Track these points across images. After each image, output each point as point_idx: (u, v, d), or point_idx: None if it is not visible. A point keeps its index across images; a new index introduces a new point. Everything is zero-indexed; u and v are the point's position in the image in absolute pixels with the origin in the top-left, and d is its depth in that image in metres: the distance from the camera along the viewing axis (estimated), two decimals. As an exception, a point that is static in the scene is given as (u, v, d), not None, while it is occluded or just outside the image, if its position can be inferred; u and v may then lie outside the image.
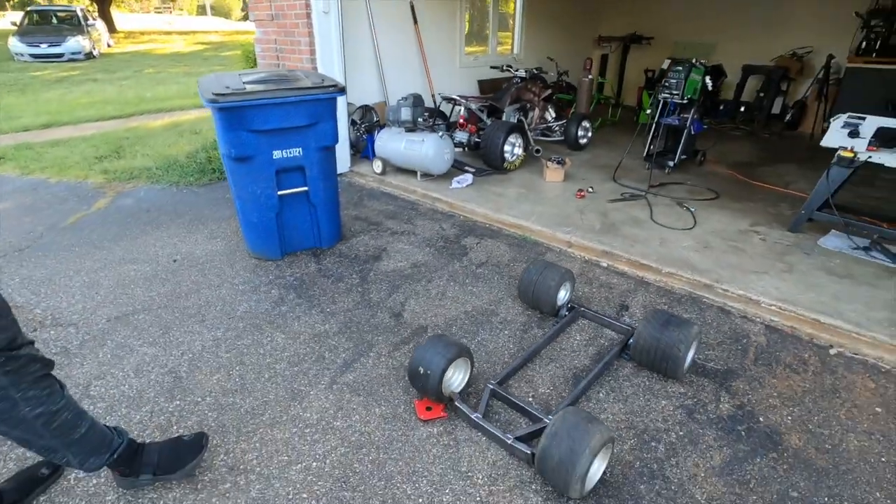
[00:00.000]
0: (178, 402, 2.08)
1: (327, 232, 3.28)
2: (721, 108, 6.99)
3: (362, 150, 5.16)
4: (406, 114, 4.43)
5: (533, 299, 2.57)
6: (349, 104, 4.83)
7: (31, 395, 1.34)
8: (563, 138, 5.66)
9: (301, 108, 2.80)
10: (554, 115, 5.84)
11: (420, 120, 4.50)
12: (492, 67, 6.44)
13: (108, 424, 1.60)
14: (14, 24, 15.52)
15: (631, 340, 2.26)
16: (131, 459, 1.64)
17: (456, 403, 1.96)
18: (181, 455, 1.73)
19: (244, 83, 2.80)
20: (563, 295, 2.60)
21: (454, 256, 3.26)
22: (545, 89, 5.56)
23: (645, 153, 4.95)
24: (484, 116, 5.19)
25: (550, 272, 2.53)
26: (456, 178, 4.41)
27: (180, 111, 8.24)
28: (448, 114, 5.57)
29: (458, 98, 5.11)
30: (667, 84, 4.65)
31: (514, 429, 1.93)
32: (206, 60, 13.31)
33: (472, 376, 2.17)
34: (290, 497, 1.68)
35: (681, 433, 1.92)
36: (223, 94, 2.54)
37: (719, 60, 5.78)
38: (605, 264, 3.14)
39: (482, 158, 4.82)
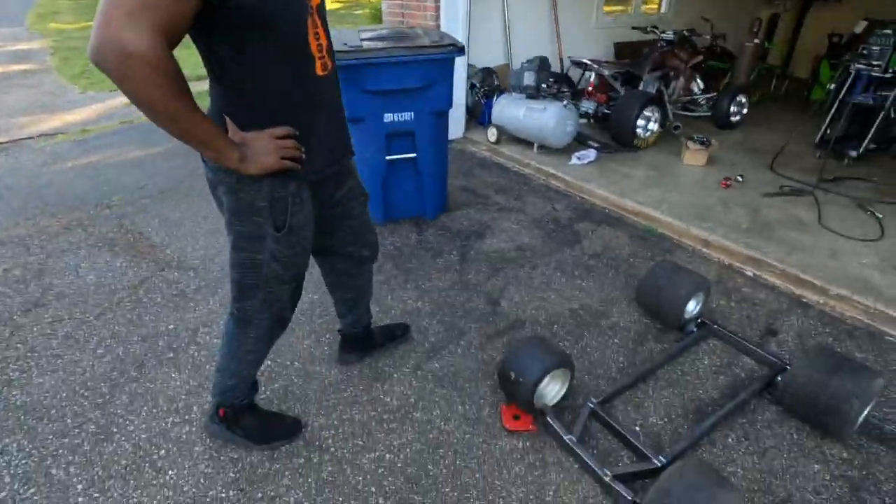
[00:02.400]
0: (268, 363, 2.09)
1: (432, 202, 3.13)
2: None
3: (479, 116, 4.89)
4: (529, 78, 4.05)
5: (655, 306, 2.18)
6: (469, 66, 4.56)
7: (260, 329, 1.51)
8: (710, 114, 4.86)
9: (415, 68, 2.61)
10: (702, 86, 5.01)
11: (544, 86, 4.10)
12: (633, 28, 5.67)
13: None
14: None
15: (779, 378, 1.81)
16: (239, 414, 1.71)
17: (548, 419, 1.72)
18: (274, 432, 1.74)
19: (361, 40, 2.67)
20: (692, 306, 2.18)
21: (565, 243, 2.93)
22: (695, 55, 4.76)
23: (818, 138, 4.04)
24: (618, 85, 4.60)
25: (681, 277, 2.12)
26: (577, 154, 3.98)
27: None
28: (576, 80, 5.05)
29: (588, 62, 4.57)
30: (864, 52, 3.68)
31: (614, 462, 1.65)
32: (341, 18, 13.79)
33: (571, 388, 1.90)
34: (360, 488, 1.59)
35: (839, 514, 1.49)
36: (338, 52, 2.44)
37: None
38: (750, 273, 2.60)
39: (610, 133, 4.30)
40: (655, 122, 4.26)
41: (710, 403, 1.86)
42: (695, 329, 2.14)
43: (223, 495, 1.58)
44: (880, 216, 3.06)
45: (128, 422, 1.84)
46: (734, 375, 1.98)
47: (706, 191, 3.45)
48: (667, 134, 4.47)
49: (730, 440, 1.72)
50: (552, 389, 1.81)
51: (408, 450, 1.71)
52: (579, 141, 4.27)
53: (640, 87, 4.62)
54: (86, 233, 3.20)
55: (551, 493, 1.56)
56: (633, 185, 3.54)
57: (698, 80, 4.99)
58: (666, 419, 1.80)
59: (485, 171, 3.98)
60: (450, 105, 2.83)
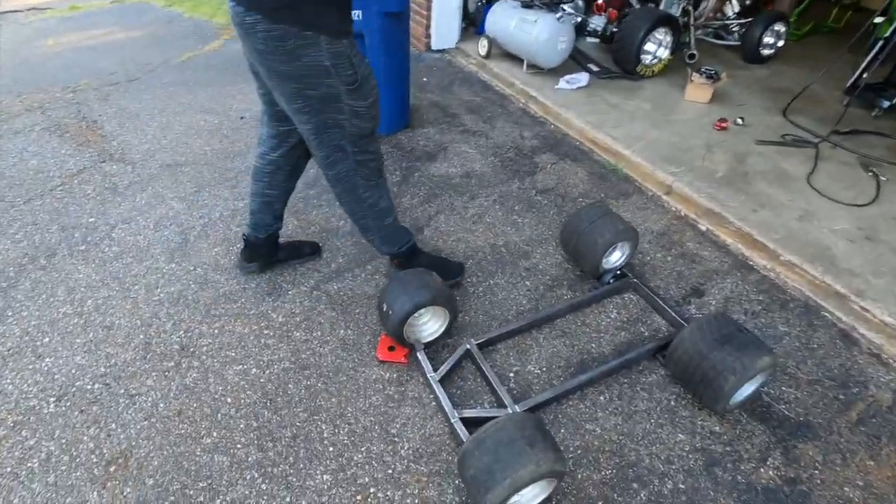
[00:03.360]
0: (173, 266, 2.09)
1: (387, 117, 2.91)
2: None
3: (479, 24, 4.44)
4: (526, -18, 3.59)
5: (575, 252, 2.03)
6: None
7: (367, 181, 1.64)
8: (739, 44, 4.27)
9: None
10: (738, 8, 4.37)
11: (543, -6, 3.64)
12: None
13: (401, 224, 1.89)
14: None
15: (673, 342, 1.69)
16: (409, 258, 1.93)
17: (417, 354, 1.67)
18: (445, 270, 1.92)
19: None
20: (617, 257, 2.02)
21: (517, 174, 2.73)
22: (736, -30, 4.10)
23: (850, 82, 3.51)
24: (635, 1, 4.05)
25: (606, 223, 1.94)
26: (566, 77, 3.60)
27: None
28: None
29: (604, -32, 4.00)
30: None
31: (473, 405, 1.61)
32: None
33: (460, 328, 1.84)
34: (216, 398, 1.62)
35: (681, 486, 1.43)
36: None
37: None
38: (703, 227, 2.38)
39: (612, 55, 3.85)
40: (666, 47, 3.77)
41: (597, 358, 1.77)
42: (611, 280, 2.00)
43: (88, 387, 1.64)
44: (883, 179, 2.70)
45: (24, 307, 1.90)
46: (636, 333, 1.87)
47: (696, 131, 3.10)
48: (680, 63, 3.98)
49: (602, 398, 1.65)
50: (430, 326, 1.74)
51: (275, 367, 1.72)
52: (578, 61, 3.85)
53: (662, 5, 4.06)
54: (44, 116, 3.17)
55: (398, 426, 1.55)
56: (617, 117, 3.21)
57: (733, 2, 4.35)
58: (545, 369, 1.73)
59: (465, 87, 3.68)
60: (401, 7, 2.52)
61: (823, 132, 3.10)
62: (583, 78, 3.60)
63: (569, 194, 2.59)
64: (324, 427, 1.54)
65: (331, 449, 1.49)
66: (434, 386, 1.59)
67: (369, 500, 1.37)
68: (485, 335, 1.76)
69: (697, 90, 3.45)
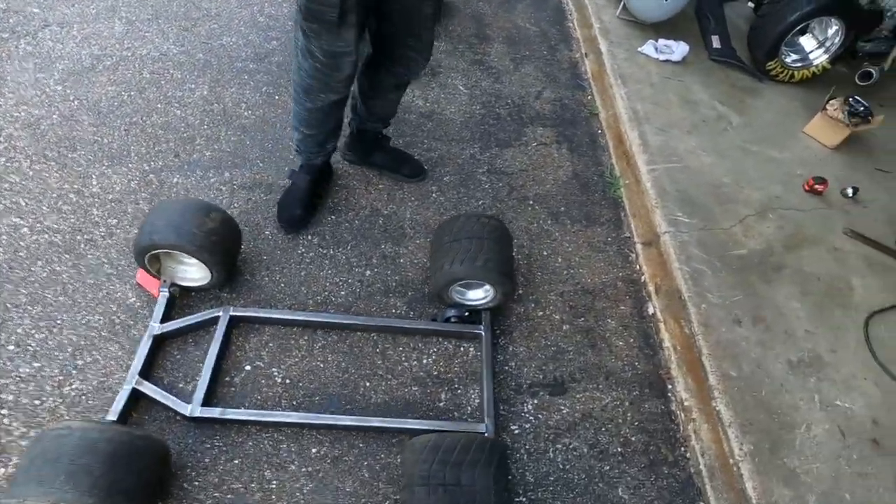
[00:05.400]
0: (59, 88, 1.95)
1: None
2: None
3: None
4: None
5: (430, 264, 1.54)
6: None
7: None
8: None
9: None
10: None
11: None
12: None
13: None
14: None
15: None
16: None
17: (161, 292, 1.41)
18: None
19: None
20: (478, 296, 1.52)
21: (486, 139, 2.13)
22: None
23: None
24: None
25: (477, 249, 1.40)
26: (661, 41, 2.66)
27: None
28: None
29: None
30: None
31: (165, 384, 1.35)
32: None
33: (249, 288, 1.52)
34: None
35: None
36: None
37: None
38: (651, 309, 1.71)
39: (747, 35, 2.76)
40: (829, 50, 2.61)
41: (358, 402, 1.38)
42: (453, 319, 1.50)
43: None
44: None
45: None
46: (431, 400, 1.41)
47: (772, 180, 2.16)
48: (844, 75, 2.77)
49: (313, 451, 1.29)
50: (190, 272, 1.44)
51: (45, 236, 1.55)
52: (702, 26, 2.82)
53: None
54: None
55: (86, 360, 1.34)
56: (681, 119, 2.33)
57: None
58: (288, 382, 1.39)
59: (531, 8, 2.91)
60: None
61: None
62: (679, 49, 2.64)
63: (523, 190, 1.98)
64: (28, 322, 1.38)
65: (11, 348, 1.33)
66: (144, 339, 1.33)
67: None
68: (249, 310, 1.43)
69: (825, 126, 2.39)
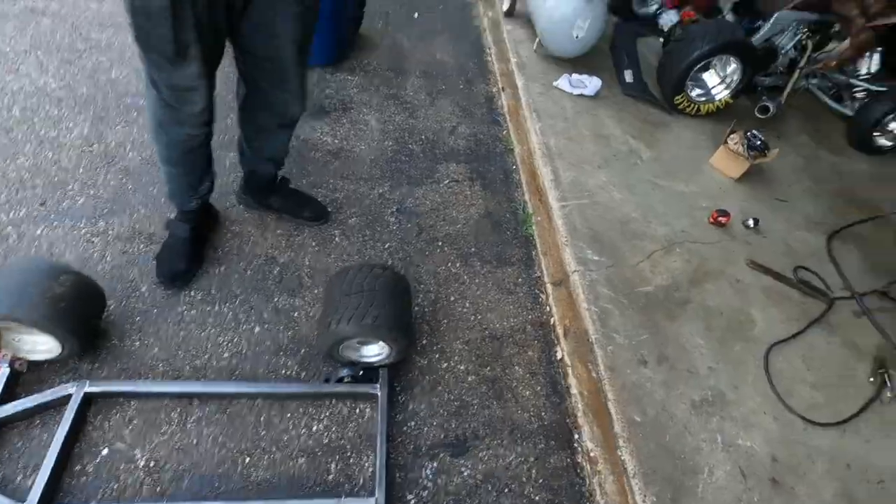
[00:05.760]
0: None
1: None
2: None
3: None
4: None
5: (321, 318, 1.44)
6: None
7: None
8: (853, 116, 3.09)
9: None
10: (877, 65, 3.12)
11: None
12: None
13: None
14: None
15: None
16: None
17: (-2, 372, 1.23)
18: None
19: None
20: (373, 352, 1.43)
21: (397, 177, 2.07)
22: (892, 12, 2.84)
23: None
24: (726, 4, 2.95)
25: (373, 304, 1.31)
26: (574, 76, 2.72)
27: None
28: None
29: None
30: None
31: None
32: None
33: (121, 354, 1.36)
34: None
35: None
36: None
37: None
38: (559, 353, 1.67)
39: (655, 76, 2.87)
40: (729, 86, 2.75)
41: (234, 482, 1.24)
42: (348, 378, 1.40)
43: None
44: (889, 395, 1.79)
45: None
46: (319, 472, 1.30)
47: (679, 213, 2.22)
48: (746, 108, 2.93)
49: None
50: (32, 343, 1.28)
51: None
52: (615, 61, 2.92)
53: (765, 28, 2.92)
54: None
55: None
56: (592, 154, 2.37)
57: (874, 59, 3.10)
58: (153, 464, 1.24)
59: (452, 43, 2.91)
60: None
61: (861, 286, 2.14)
62: (592, 83, 2.70)
63: (433, 230, 1.92)
64: None
65: None
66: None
67: None
68: (110, 383, 1.28)
69: (728, 158, 2.49)
